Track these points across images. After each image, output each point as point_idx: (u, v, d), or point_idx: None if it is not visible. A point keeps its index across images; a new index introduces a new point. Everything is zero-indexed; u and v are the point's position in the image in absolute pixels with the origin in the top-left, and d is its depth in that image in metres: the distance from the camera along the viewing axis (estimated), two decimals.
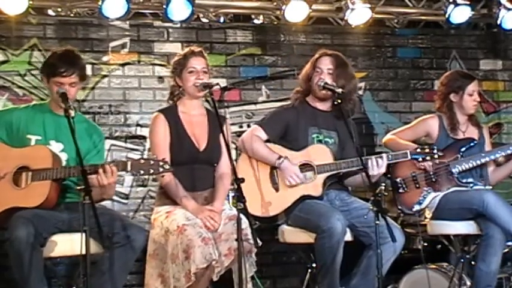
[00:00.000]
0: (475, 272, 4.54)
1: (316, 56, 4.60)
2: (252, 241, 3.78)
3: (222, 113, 4.21)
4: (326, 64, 4.51)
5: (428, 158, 4.41)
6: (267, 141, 4.50)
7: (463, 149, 4.77)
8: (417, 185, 4.75)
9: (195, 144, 4.25)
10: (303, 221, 4.32)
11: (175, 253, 3.91)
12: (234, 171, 3.80)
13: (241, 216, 3.70)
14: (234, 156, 4.66)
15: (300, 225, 4.35)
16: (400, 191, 4.76)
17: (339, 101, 4.27)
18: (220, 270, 3.93)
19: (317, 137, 4.51)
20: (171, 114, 4.29)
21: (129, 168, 3.81)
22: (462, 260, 4.72)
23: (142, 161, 3.82)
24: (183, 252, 3.86)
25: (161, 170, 3.80)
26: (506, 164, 4.88)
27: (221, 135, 4.09)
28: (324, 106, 4.58)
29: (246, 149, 4.47)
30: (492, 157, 4.78)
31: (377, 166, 4.28)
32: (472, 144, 4.80)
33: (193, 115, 4.32)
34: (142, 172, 3.80)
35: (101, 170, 3.78)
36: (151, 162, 3.80)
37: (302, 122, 4.51)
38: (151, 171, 3.80)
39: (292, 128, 4.51)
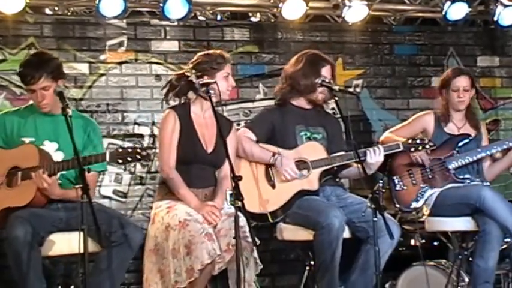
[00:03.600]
0: (473, 268, 4.55)
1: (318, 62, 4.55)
2: (250, 239, 3.79)
3: (219, 112, 4.21)
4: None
5: (420, 148, 4.45)
6: (257, 142, 4.51)
7: (459, 145, 4.78)
8: (414, 182, 4.76)
9: (204, 146, 4.25)
10: (301, 218, 4.33)
11: (177, 248, 3.91)
12: (232, 169, 3.80)
13: (239, 214, 3.69)
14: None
15: (299, 223, 4.36)
16: (397, 188, 4.77)
17: (336, 98, 4.28)
18: (221, 266, 3.95)
19: (305, 134, 4.54)
20: (183, 112, 4.27)
21: (107, 158, 3.80)
22: (460, 257, 4.73)
23: (120, 149, 3.82)
24: (184, 247, 3.87)
25: (138, 157, 3.79)
26: (502, 158, 4.89)
27: (227, 138, 4.07)
28: (307, 104, 4.60)
29: (238, 151, 4.47)
30: (488, 152, 4.80)
31: (374, 154, 4.34)
32: (468, 139, 4.82)
33: (205, 117, 4.31)
34: (120, 161, 3.79)
35: (33, 174, 3.80)
36: (129, 150, 3.79)
37: (288, 121, 4.53)
38: (129, 159, 3.78)
39: (279, 128, 4.52)
